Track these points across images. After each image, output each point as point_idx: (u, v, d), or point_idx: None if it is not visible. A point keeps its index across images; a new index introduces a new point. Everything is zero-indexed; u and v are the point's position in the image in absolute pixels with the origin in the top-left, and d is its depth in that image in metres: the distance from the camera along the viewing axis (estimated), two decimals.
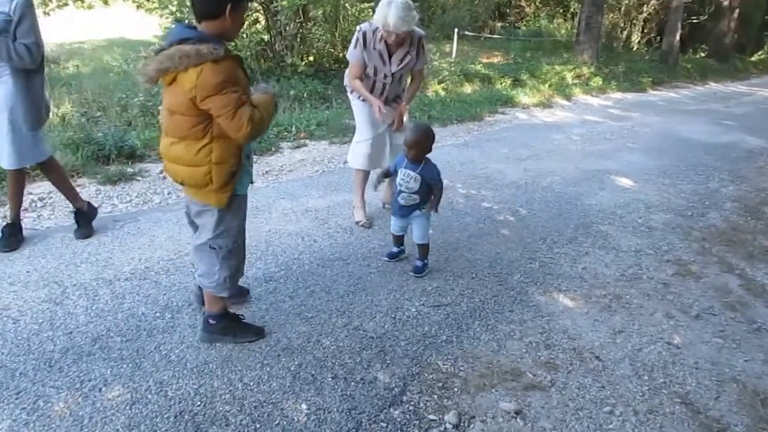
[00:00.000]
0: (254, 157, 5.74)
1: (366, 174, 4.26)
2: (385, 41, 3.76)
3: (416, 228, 3.48)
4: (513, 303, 3.25)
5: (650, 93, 13.25)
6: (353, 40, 3.87)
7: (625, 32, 20.34)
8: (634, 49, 19.96)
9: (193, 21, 2.31)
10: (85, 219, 3.84)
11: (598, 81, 12.82)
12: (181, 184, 2.43)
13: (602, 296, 3.39)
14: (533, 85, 11.41)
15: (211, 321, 2.71)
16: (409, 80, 4.21)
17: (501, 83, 11.34)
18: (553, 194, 5.20)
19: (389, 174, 3.60)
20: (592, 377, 2.64)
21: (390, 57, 3.84)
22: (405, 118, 4.12)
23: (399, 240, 3.67)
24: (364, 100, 4.03)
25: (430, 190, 3.35)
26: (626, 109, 10.43)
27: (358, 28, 3.88)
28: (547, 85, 11.48)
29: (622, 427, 2.34)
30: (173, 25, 2.30)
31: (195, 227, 2.66)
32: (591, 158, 6.61)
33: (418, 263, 3.55)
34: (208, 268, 2.56)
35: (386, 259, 3.67)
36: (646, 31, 20.68)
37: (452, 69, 11.17)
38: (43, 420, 2.20)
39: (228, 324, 2.74)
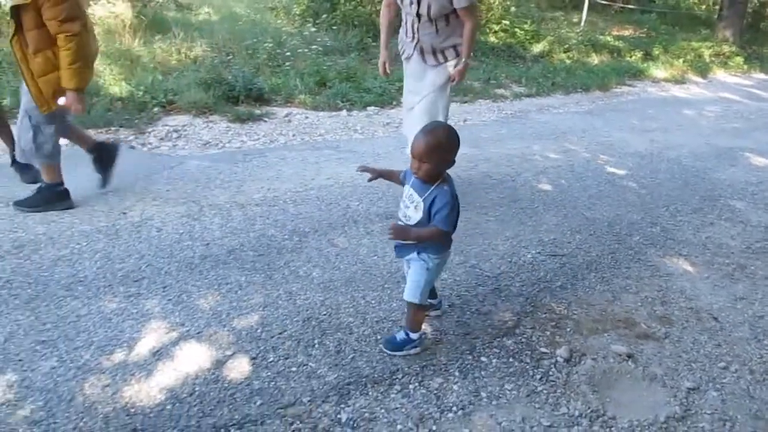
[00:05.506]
0: (375, 108, 6.04)
1: None
2: None
3: (408, 276, 2.29)
4: (630, 261, 3.27)
5: None
6: None
7: None
8: None
9: None
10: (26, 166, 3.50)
11: (738, 61, 11.86)
12: None
13: (725, 264, 3.31)
14: (666, 60, 10.78)
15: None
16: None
17: (631, 56, 10.81)
18: (680, 166, 5.03)
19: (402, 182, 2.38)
20: (708, 335, 2.64)
21: None
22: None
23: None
24: (407, 58, 3.45)
25: None
26: None
27: None
28: (681, 61, 10.80)
29: (736, 383, 2.34)
30: None
31: None
32: (724, 135, 6.25)
33: (397, 334, 2.36)
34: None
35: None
36: None
37: (579, 38, 10.80)
38: (187, 311, 2.51)
39: None
